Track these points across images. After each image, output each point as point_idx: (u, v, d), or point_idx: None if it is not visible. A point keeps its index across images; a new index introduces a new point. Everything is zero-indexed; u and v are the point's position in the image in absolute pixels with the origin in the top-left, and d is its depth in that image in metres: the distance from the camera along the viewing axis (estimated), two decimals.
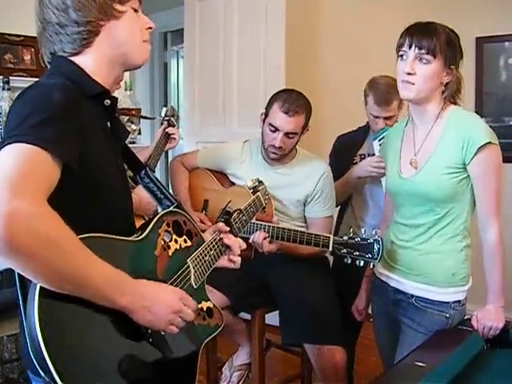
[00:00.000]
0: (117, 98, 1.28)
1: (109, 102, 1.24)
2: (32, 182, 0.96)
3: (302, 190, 2.36)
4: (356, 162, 2.57)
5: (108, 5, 1.20)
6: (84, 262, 1.01)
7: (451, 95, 1.77)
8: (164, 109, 2.64)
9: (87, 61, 1.21)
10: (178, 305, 1.17)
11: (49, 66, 1.25)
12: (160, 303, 1.13)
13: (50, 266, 0.96)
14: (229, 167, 2.49)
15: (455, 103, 1.80)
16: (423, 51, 1.68)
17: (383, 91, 2.36)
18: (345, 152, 2.63)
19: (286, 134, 2.26)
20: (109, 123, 1.28)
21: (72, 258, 0.98)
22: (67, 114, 1.07)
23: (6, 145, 0.98)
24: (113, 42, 1.22)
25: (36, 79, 1.26)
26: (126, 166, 1.40)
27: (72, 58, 1.21)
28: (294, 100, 2.25)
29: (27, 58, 2.87)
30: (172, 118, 2.57)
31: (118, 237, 1.16)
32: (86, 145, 1.10)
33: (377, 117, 2.41)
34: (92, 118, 1.17)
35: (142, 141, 3.90)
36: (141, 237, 1.23)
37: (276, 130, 2.26)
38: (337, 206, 2.64)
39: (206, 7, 3.89)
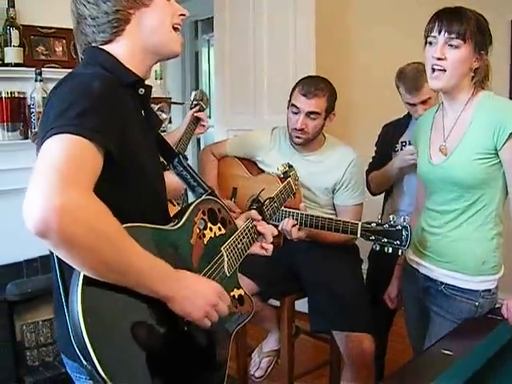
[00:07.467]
0: (151, 87, 1.28)
1: (143, 90, 1.25)
2: (81, 174, 0.97)
3: (330, 177, 2.36)
4: (397, 150, 2.55)
5: None
6: (130, 252, 1.02)
7: (480, 82, 1.74)
8: (193, 93, 2.59)
9: (120, 49, 1.22)
10: (215, 299, 1.18)
11: (82, 58, 1.27)
12: (199, 295, 1.14)
13: (99, 256, 0.97)
14: (258, 154, 2.50)
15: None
16: (453, 36, 1.65)
17: (411, 78, 2.35)
18: (388, 140, 2.62)
19: (308, 115, 2.28)
20: (143, 111, 1.28)
21: (119, 248, 1.00)
22: (108, 103, 1.08)
23: (50, 136, 0.99)
24: (143, 29, 1.23)
25: (68, 70, 1.28)
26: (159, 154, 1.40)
27: (105, 47, 1.22)
28: (313, 83, 2.31)
29: (59, 49, 2.91)
30: (201, 102, 2.52)
31: (156, 226, 1.18)
32: (124, 133, 1.11)
33: (413, 104, 2.39)
34: (129, 106, 1.18)
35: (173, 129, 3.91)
36: (177, 225, 1.24)
37: (298, 111, 2.30)
38: (375, 195, 2.63)
39: None
